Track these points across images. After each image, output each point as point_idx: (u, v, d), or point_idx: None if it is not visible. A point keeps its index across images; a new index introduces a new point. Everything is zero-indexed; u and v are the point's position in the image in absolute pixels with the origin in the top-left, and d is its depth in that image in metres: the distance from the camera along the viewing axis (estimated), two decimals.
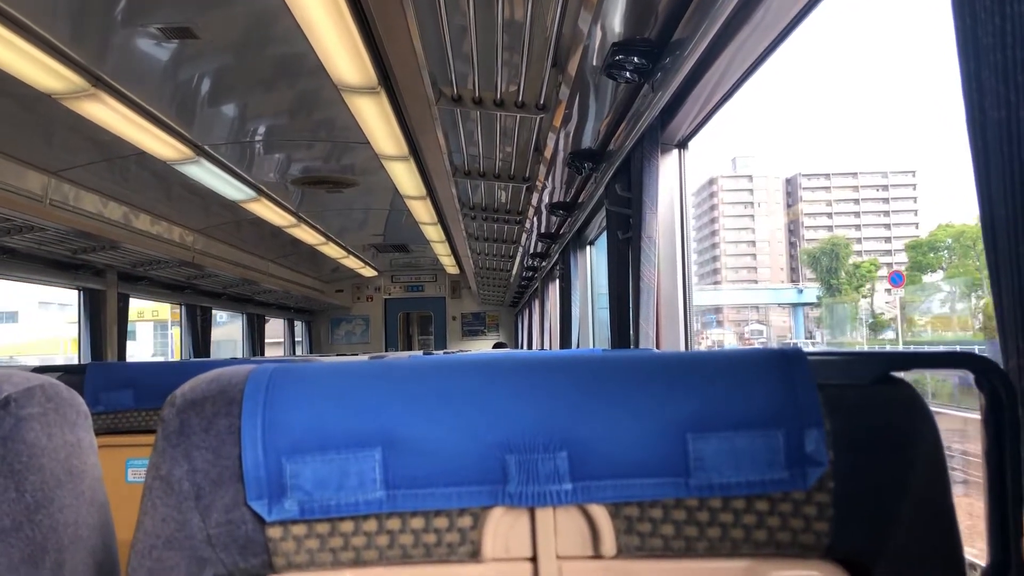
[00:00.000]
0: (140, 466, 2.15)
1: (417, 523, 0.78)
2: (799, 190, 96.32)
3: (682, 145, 3.20)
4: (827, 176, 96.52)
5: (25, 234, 5.45)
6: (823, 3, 1.96)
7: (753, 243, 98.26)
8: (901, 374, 0.85)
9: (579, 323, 6.42)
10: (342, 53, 3.58)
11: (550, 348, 8.24)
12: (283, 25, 3.48)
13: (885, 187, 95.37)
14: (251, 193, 6.58)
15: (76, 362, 7.49)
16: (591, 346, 6.52)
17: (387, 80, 4.05)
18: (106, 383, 2.10)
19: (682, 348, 3.14)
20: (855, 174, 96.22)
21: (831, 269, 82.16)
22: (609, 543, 0.78)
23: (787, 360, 0.82)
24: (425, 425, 0.77)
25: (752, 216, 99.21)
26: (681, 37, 2.29)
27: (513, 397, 0.79)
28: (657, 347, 3.08)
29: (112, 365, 2.17)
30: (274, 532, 0.77)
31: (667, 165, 3.17)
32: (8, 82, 3.67)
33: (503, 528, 0.78)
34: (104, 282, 7.42)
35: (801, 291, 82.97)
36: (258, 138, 5.61)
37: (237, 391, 0.79)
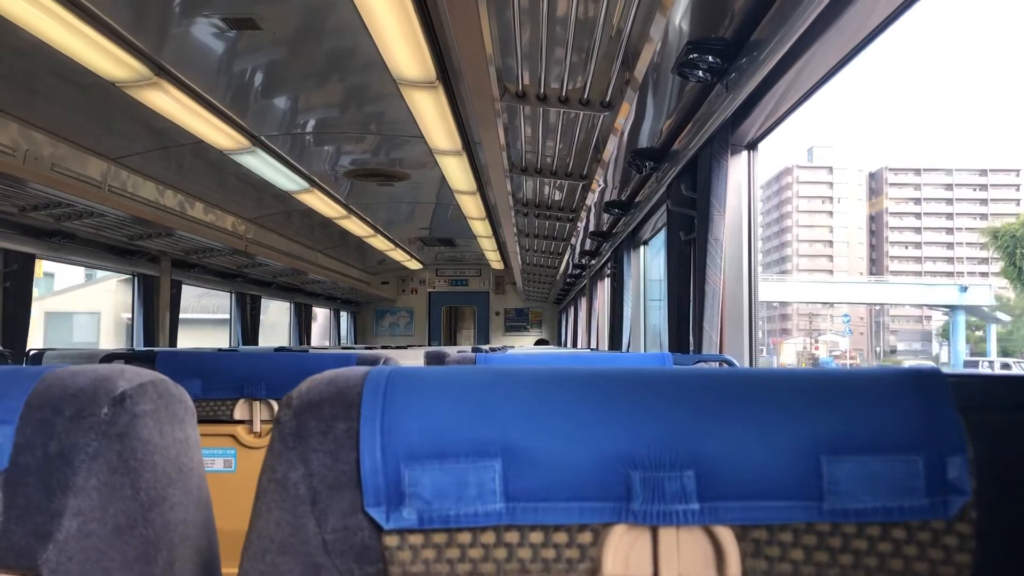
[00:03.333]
0: (206, 456, 2.16)
1: (536, 537, 0.75)
2: (884, 186, 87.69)
3: (752, 147, 3.14)
4: (917, 172, 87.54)
5: (85, 219, 5.54)
6: (914, 8, 1.90)
7: (830, 243, 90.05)
8: None
9: (630, 324, 6.36)
10: (402, 46, 3.57)
11: (597, 348, 8.19)
12: (342, 16, 3.49)
13: (984, 187, 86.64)
14: (304, 184, 6.62)
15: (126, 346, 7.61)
16: (642, 348, 6.47)
17: (445, 74, 4.04)
18: (175, 371, 2.10)
19: (746, 355, 3.08)
20: (949, 171, 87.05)
21: None
22: (735, 566, 0.74)
23: (925, 381, 0.77)
24: (546, 436, 0.74)
25: (831, 212, 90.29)
26: (760, 38, 2.24)
27: (637, 411, 0.75)
28: (720, 352, 3.02)
29: (181, 353, 2.19)
30: (391, 540, 0.74)
31: (736, 166, 3.10)
32: (73, 70, 3.72)
33: (624, 546, 0.75)
34: (158, 268, 7.53)
35: (965, 289, 62.85)
36: (311, 130, 5.63)
37: (355, 393, 0.76)
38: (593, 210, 5.94)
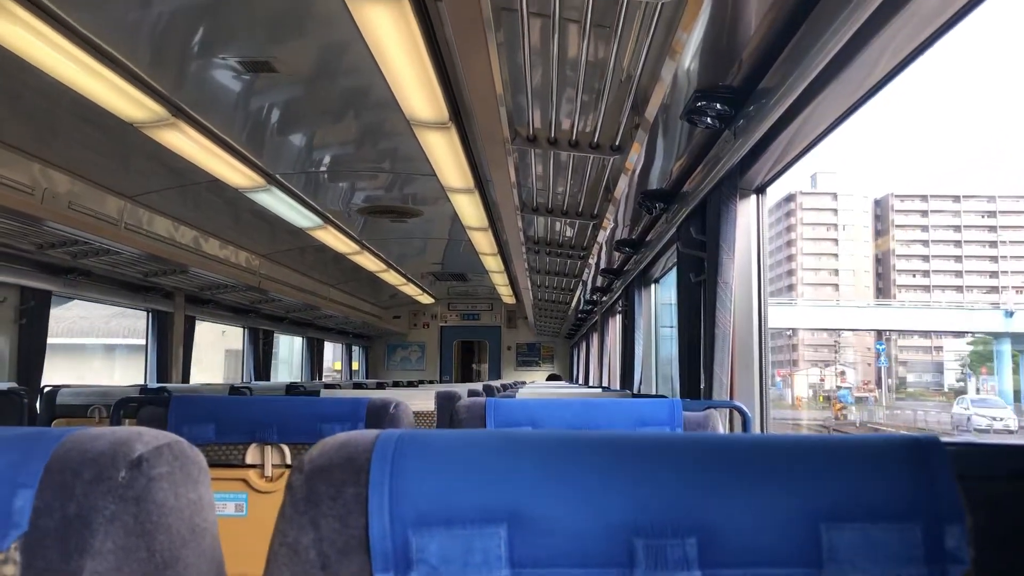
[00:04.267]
0: (217, 500, 2.16)
1: None
2: (891, 213, 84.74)
3: (760, 191, 3.15)
4: (924, 198, 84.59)
5: (101, 256, 5.60)
6: (923, 58, 1.92)
7: (836, 271, 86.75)
8: None
9: (642, 362, 6.34)
10: (415, 88, 3.62)
11: (609, 386, 8.16)
12: (356, 58, 3.54)
13: (992, 213, 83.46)
14: (317, 221, 6.68)
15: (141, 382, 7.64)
16: (654, 387, 6.44)
17: (457, 115, 4.09)
18: (188, 416, 2.13)
19: (756, 399, 3.08)
20: (957, 197, 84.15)
21: None
22: None
23: (924, 450, 0.78)
24: (552, 502, 0.75)
25: (835, 240, 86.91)
26: (768, 86, 2.26)
27: (641, 478, 0.76)
28: (731, 397, 3.02)
29: (196, 398, 2.20)
30: None
31: (745, 210, 3.12)
32: (92, 111, 3.78)
33: None
34: (172, 304, 7.57)
35: (1011, 314, 57.30)
36: (326, 168, 5.69)
37: (364, 459, 0.78)
38: (604, 248, 5.96)
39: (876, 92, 2.18)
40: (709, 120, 2.54)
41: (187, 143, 4.33)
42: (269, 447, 2.19)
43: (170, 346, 7.62)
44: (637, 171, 3.74)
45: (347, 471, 0.77)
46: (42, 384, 5.38)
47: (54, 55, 3.20)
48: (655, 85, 2.57)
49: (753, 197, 3.17)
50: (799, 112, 2.29)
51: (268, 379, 10.39)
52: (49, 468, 0.79)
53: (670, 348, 6.22)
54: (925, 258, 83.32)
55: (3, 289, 5.47)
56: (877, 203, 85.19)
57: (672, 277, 4.77)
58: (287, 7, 3.25)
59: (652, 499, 0.75)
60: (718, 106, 2.49)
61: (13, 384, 4.73)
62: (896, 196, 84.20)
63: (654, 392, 6.26)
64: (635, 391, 6.17)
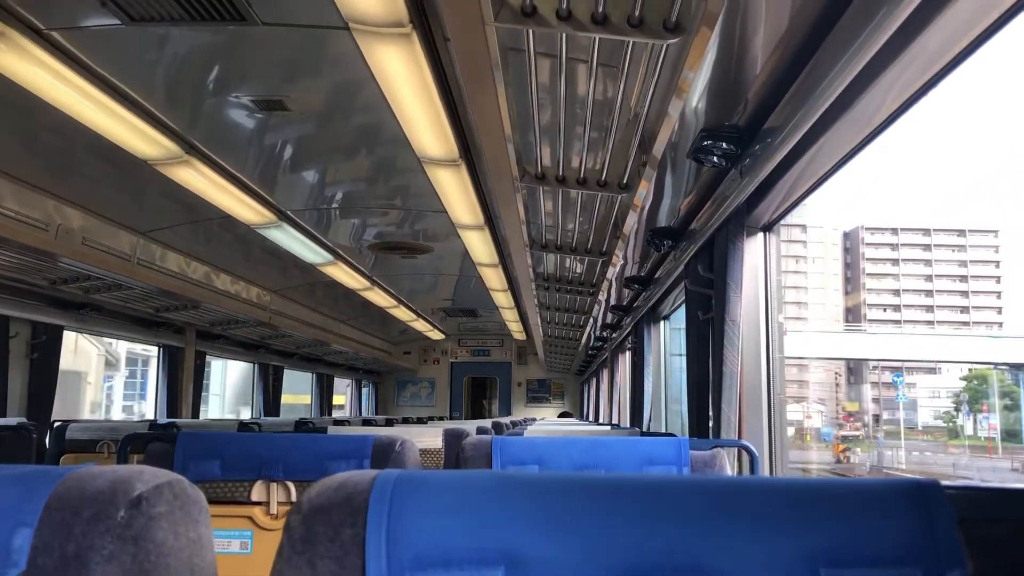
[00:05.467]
0: (222, 537, 2.16)
1: None
2: (860, 246, 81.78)
3: (768, 228, 3.16)
4: (894, 231, 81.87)
5: (113, 291, 5.63)
6: (931, 95, 1.93)
7: (805, 304, 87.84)
8: None
9: (651, 399, 6.31)
10: (426, 126, 3.66)
11: (619, 423, 8.12)
12: (367, 96, 3.58)
13: (962, 247, 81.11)
14: (328, 257, 6.71)
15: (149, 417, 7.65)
16: (663, 424, 6.40)
17: (467, 152, 4.12)
18: (196, 452, 2.12)
19: (765, 440, 3.06)
20: (927, 231, 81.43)
21: None
22: None
23: (924, 492, 0.77)
24: (550, 545, 0.75)
25: (805, 273, 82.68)
26: (773, 125, 2.28)
27: (641, 521, 0.76)
28: (740, 436, 3.00)
29: (203, 434, 2.20)
30: None
31: (752, 248, 3.12)
32: (107, 148, 3.83)
33: None
34: (183, 339, 7.60)
35: None
36: (337, 204, 5.74)
37: (362, 499, 0.77)
38: (613, 284, 5.96)
39: (882, 131, 2.19)
40: (715, 159, 2.55)
41: (200, 180, 4.38)
42: (275, 484, 2.18)
43: (180, 381, 7.63)
44: (645, 209, 3.76)
45: (345, 512, 0.77)
46: (52, 419, 5.40)
47: (71, 94, 3.25)
48: (662, 124, 2.59)
49: (760, 235, 3.17)
50: (805, 151, 2.30)
51: (277, 415, 10.38)
52: (48, 506, 0.80)
53: (680, 389, 6.18)
54: (896, 293, 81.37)
55: (16, 324, 5.51)
56: (847, 235, 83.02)
57: (681, 314, 4.76)
58: (301, 47, 3.29)
59: (652, 542, 0.75)
60: (724, 145, 2.51)
61: (23, 419, 4.74)
62: (867, 229, 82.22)
63: (664, 429, 6.22)
64: (644, 428, 6.14)
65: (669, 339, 6.40)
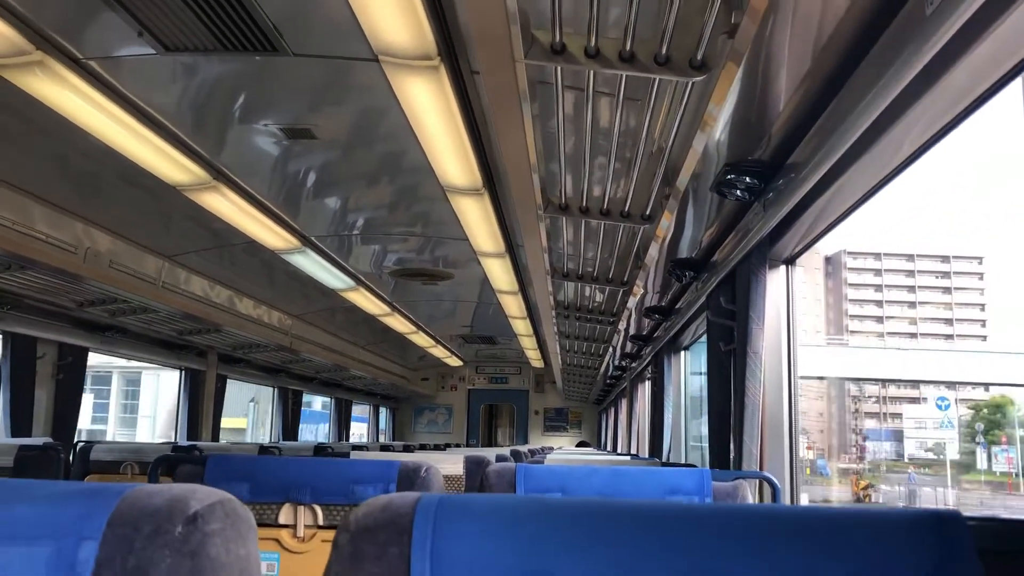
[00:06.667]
0: None
1: None
2: (843, 270, 78.68)
3: (790, 262, 3.18)
4: (877, 256, 79.06)
5: (139, 314, 5.70)
6: (955, 133, 1.95)
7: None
8: None
9: (671, 430, 6.30)
10: (450, 155, 3.71)
11: (638, 454, 8.09)
12: (392, 124, 3.64)
13: (947, 274, 78.18)
14: (350, 283, 6.77)
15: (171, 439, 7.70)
16: (683, 456, 6.38)
17: (491, 181, 4.17)
18: (224, 475, 2.16)
19: (787, 472, 3.06)
20: (911, 256, 78.65)
21: None
22: None
23: (945, 523, 0.79)
24: (586, 568, 0.78)
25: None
26: (796, 160, 2.31)
27: (667, 548, 0.79)
28: (760, 468, 3.00)
29: (232, 457, 2.24)
30: None
31: (774, 281, 3.14)
32: (137, 173, 3.90)
33: None
34: (205, 363, 7.66)
35: None
36: (359, 230, 5.80)
37: (407, 520, 0.81)
38: (633, 314, 5.97)
39: (906, 167, 2.21)
40: (739, 193, 2.58)
41: (226, 205, 4.45)
42: (302, 507, 2.21)
43: (201, 404, 7.69)
44: (667, 240, 3.78)
45: (391, 531, 0.81)
46: (76, 440, 5.45)
47: (104, 120, 3.33)
48: (686, 157, 2.62)
49: (782, 268, 3.19)
50: (828, 186, 2.32)
51: (295, 439, 10.42)
52: (112, 522, 0.84)
53: (700, 420, 6.17)
54: (879, 320, 78.73)
55: (43, 345, 5.58)
56: (828, 260, 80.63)
57: (702, 345, 4.76)
58: (329, 77, 3.36)
59: (679, 567, 0.77)
60: (747, 179, 2.54)
61: (49, 439, 4.80)
62: (848, 253, 79.38)
63: (683, 461, 6.20)
64: (664, 459, 6.12)
65: (690, 370, 6.39)
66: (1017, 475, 45.35)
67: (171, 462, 2.41)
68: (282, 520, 2.21)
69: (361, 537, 0.81)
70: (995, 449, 49.14)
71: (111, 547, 0.82)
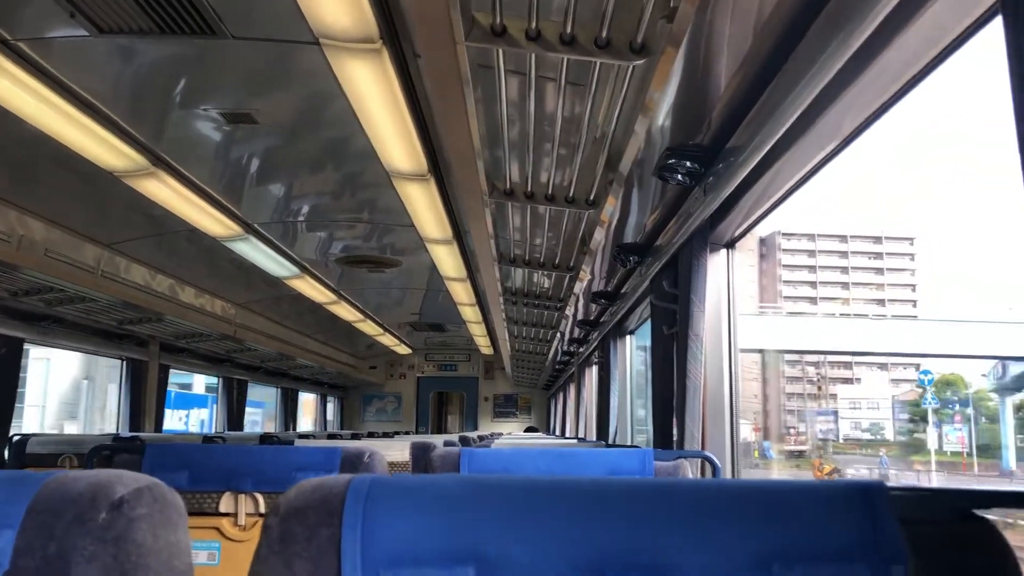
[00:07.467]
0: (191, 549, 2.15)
1: None
2: (777, 252, 77.31)
3: (730, 245, 3.23)
4: (811, 237, 78.33)
5: (76, 304, 5.57)
6: (890, 114, 2.00)
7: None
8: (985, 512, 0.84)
9: (617, 414, 6.36)
10: (395, 141, 3.68)
11: (585, 437, 8.16)
12: (336, 110, 3.60)
13: (879, 255, 78.16)
14: (295, 270, 6.69)
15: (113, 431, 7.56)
16: (629, 439, 6.45)
17: (437, 168, 4.15)
18: (163, 464, 2.12)
19: (727, 451, 3.11)
20: (844, 237, 78.24)
21: None
22: None
23: (869, 494, 0.82)
24: (518, 544, 0.78)
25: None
26: (736, 144, 2.34)
27: (604, 521, 0.80)
28: (703, 448, 3.05)
29: (171, 446, 2.20)
30: None
31: (715, 264, 3.19)
32: (72, 159, 3.80)
33: None
34: (147, 353, 7.52)
35: None
36: (304, 217, 5.73)
37: (338, 501, 0.80)
38: (581, 299, 6.01)
39: (840, 151, 2.25)
40: (680, 177, 2.61)
41: (166, 192, 4.36)
42: (243, 496, 2.18)
43: (143, 395, 7.55)
44: (612, 225, 3.81)
45: (321, 513, 0.80)
46: (11, 433, 5.32)
47: (37, 105, 3.24)
48: (628, 142, 2.64)
49: (723, 252, 3.24)
50: (767, 169, 2.36)
51: (241, 429, 10.29)
52: (31, 509, 0.82)
53: (646, 403, 6.24)
54: (813, 301, 78.66)
55: None
56: (762, 241, 79.13)
57: (647, 329, 4.81)
58: (269, 61, 3.30)
59: (614, 541, 0.78)
60: (688, 164, 2.56)
61: None
62: (783, 234, 77.92)
63: (630, 443, 6.27)
64: (610, 442, 6.18)
65: (635, 354, 6.46)
66: (970, 455, 44.47)
67: (109, 452, 2.37)
68: (223, 509, 2.18)
69: (291, 519, 0.80)
70: (946, 428, 47.97)
71: (30, 535, 0.81)
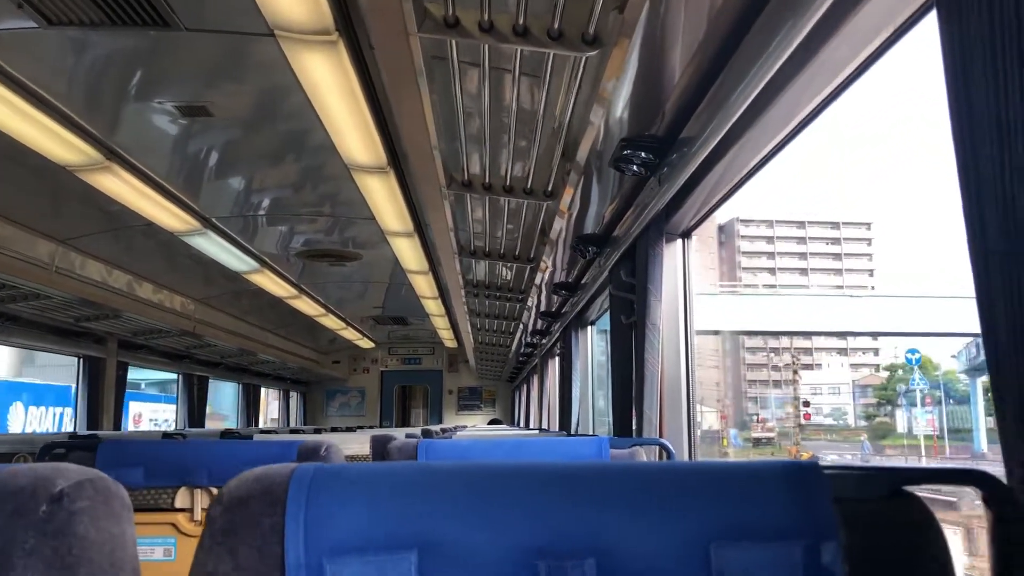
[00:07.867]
0: (145, 544, 2.14)
1: None
2: (736, 239, 77.31)
3: (686, 235, 3.27)
4: (770, 224, 78.12)
5: (31, 301, 5.48)
6: (837, 103, 2.03)
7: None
8: (913, 489, 0.87)
9: (579, 404, 6.40)
10: (353, 133, 3.66)
11: (548, 428, 8.20)
12: (294, 103, 3.57)
13: (836, 240, 78.53)
14: (254, 265, 6.64)
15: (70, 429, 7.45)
16: (591, 429, 6.50)
17: (396, 160, 4.14)
18: (117, 460, 2.10)
19: (684, 437, 3.15)
20: (802, 223, 78.64)
21: None
22: None
23: (804, 472, 0.84)
24: (461, 529, 0.79)
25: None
26: (689, 135, 2.36)
27: (546, 505, 0.81)
28: (660, 435, 3.08)
29: (125, 442, 2.18)
30: None
31: (671, 254, 3.22)
32: (23, 153, 3.73)
33: None
34: (105, 350, 7.42)
35: None
36: (263, 211, 5.68)
37: (281, 490, 0.81)
38: (543, 291, 6.03)
39: (791, 139, 2.28)
40: (635, 168, 2.63)
41: (121, 187, 4.30)
42: (199, 491, 2.17)
43: (101, 393, 7.45)
44: (572, 216, 3.83)
45: (264, 502, 0.80)
46: None
47: None
48: (584, 133, 2.66)
49: (679, 241, 3.28)
50: (720, 159, 2.39)
51: (202, 426, 10.19)
52: None
53: (606, 393, 6.28)
54: (772, 287, 77.71)
55: None
56: (722, 229, 76.94)
57: (607, 319, 4.85)
58: (224, 53, 3.27)
59: (554, 524, 0.80)
60: (643, 154, 2.59)
61: None
62: (741, 221, 77.83)
63: (591, 433, 6.31)
64: (572, 432, 6.22)
65: (596, 344, 6.50)
66: (941, 438, 43.07)
67: (64, 449, 2.34)
68: (179, 504, 2.17)
69: (233, 509, 0.81)
70: (916, 411, 46.60)
71: None
